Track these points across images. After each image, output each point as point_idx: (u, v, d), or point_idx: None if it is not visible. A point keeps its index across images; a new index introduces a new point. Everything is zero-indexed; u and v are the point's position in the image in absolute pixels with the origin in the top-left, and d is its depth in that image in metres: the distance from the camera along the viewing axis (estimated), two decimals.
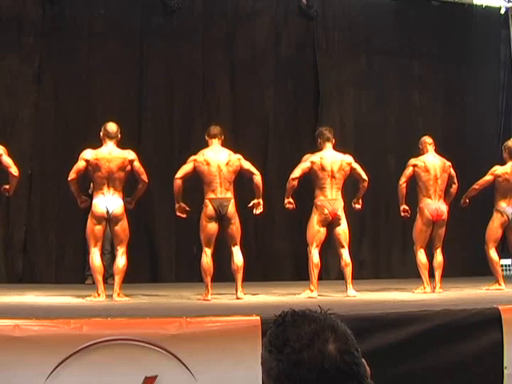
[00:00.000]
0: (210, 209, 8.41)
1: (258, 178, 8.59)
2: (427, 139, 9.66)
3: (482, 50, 13.85)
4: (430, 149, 9.55)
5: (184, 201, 8.63)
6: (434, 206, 9.33)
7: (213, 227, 8.42)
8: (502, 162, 9.77)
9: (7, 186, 8.40)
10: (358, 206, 9.20)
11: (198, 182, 8.87)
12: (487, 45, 14.00)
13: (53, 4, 11.58)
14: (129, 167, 8.37)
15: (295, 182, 8.83)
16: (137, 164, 8.43)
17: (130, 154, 8.41)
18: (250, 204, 8.69)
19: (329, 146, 8.92)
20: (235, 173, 8.58)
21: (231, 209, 8.43)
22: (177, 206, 8.62)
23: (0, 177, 8.74)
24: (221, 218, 8.44)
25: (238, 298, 8.20)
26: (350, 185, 9.45)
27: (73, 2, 11.80)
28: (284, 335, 1.81)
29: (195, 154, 8.73)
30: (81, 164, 8.29)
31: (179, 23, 12.24)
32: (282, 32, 12.85)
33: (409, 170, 9.45)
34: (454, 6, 13.73)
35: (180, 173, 8.54)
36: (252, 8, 12.68)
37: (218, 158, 8.50)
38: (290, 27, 12.91)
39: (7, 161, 8.23)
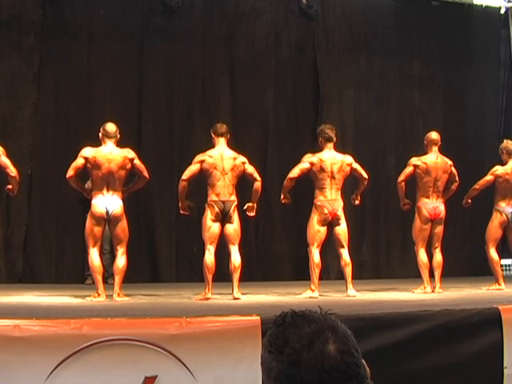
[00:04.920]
0: (214, 210, 8.41)
1: (258, 183, 8.65)
2: (433, 135, 9.45)
3: (482, 50, 13.85)
4: (434, 148, 9.39)
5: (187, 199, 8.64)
6: (432, 204, 9.31)
7: (217, 228, 8.44)
8: (502, 162, 9.76)
9: (10, 186, 8.35)
10: (356, 202, 9.24)
11: (197, 183, 8.87)
12: (487, 45, 13.99)
13: (53, 4, 11.59)
14: (129, 165, 8.36)
15: (293, 182, 8.84)
16: (137, 162, 8.43)
17: (129, 153, 8.40)
18: (245, 207, 8.72)
19: (330, 146, 8.87)
20: (239, 177, 8.61)
21: (233, 210, 8.44)
22: (180, 204, 8.63)
23: (0, 177, 8.73)
24: (223, 218, 8.45)
25: (234, 298, 8.19)
26: (349, 185, 9.44)
27: (73, 2, 11.80)
28: (284, 335, 1.81)
29: (196, 154, 8.71)
30: (79, 161, 8.25)
31: (179, 23, 12.24)
32: (281, 32, 12.85)
33: (409, 169, 9.39)
34: (453, 5, 13.73)
35: (186, 174, 8.53)
36: (252, 8, 12.67)
37: (224, 162, 8.49)
38: (290, 27, 12.90)
39: (5, 161, 8.17)
